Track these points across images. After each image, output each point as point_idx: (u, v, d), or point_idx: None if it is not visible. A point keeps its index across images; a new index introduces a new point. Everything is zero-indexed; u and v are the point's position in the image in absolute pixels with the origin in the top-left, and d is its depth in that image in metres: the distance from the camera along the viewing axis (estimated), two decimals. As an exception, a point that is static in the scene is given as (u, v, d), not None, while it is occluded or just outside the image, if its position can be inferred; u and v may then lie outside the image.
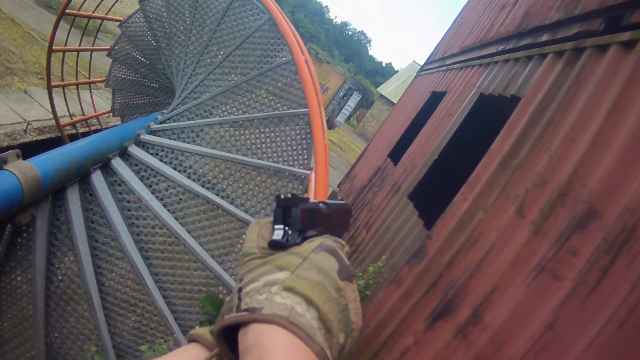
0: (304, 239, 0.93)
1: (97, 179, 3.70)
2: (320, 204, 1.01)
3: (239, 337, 0.75)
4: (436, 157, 6.23)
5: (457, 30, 11.67)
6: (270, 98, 4.30)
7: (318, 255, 0.85)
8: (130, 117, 6.85)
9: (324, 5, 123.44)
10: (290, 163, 4.10)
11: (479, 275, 3.23)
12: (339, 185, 14.52)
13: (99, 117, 7.81)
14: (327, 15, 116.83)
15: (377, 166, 10.29)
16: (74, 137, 6.76)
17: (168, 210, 3.81)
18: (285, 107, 4.23)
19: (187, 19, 4.98)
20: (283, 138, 4.14)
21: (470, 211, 3.94)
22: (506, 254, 3.05)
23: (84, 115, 7.36)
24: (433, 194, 6.14)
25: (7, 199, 2.58)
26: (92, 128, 7.95)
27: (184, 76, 4.78)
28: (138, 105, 6.85)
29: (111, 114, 6.98)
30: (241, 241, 3.85)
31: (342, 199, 1.23)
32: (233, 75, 4.54)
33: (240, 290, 0.82)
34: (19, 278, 3.26)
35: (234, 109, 4.37)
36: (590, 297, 2.24)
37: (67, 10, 5.77)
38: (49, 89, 6.43)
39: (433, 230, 4.45)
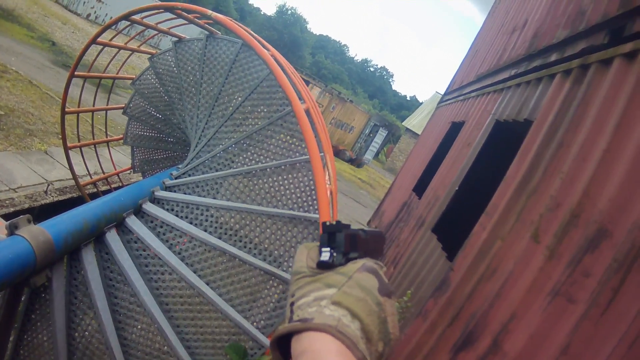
0: (347, 260, 1.03)
1: (112, 237, 3.71)
2: (359, 231, 1.10)
3: (293, 344, 0.85)
4: (457, 189, 6.18)
5: (472, 58, 11.71)
6: (282, 146, 4.32)
7: (361, 275, 0.96)
8: (151, 172, 6.85)
9: (343, 44, 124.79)
10: (305, 209, 4.08)
11: (498, 305, 3.16)
12: (368, 222, 14.48)
13: (120, 174, 7.82)
14: (347, 54, 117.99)
15: (403, 201, 10.26)
16: (95, 196, 6.78)
17: (186, 263, 3.82)
18: (297, 155, 4.24)
19: (197, 73, 5.03)
20: (297, 185, 4.14)
21: (489, 240, 3.89)
22: (523, 281, 2.99)
23: (103, 173, 7.38)
24: (456, 225, 6.07)
25: (19, 264, 2.63)
26: (113, 186, 7.93)
27: (198, 129, 4.81)
28: (157, 160, 6.87)
29: (132, 170, 7.05)
30: (262, 291, 3.87)
31: (376, 227, 1.31)
32: (244, 127, 4.56)
33: (292, 304, 0.96)
34: (42, 336, 3.30)
35: (247, 160, 4.38)
36: (602, 318, 2.17)
37: (76, 73, 5.83)
38: (66, 150, 6.50)
39: (455, 262, 4.40)
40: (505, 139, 5.74)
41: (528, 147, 4.04)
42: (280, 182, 4.18)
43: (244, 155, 4.41)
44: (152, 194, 4.14)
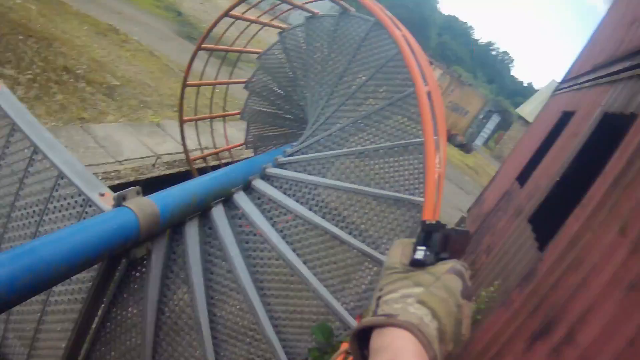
0: (438, 260, 1.09)
1: (218, 213, 3.81)
2: (452, 231, 1.17)
3: (374, 336, 0.90)
4: (557, 179, 6.03)
5: (591, 48, 11.23)
6: (398, 127, 4.33)
7: (449, 276, 1.02)
8: (264, 148, 7.03)
9: (469, 25, 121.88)
10: (411, 192, 4.07)
11: (579, 295, 3.14)
12: (469, 210, 14.25)
13: (231, 149, 7.93)
14: (472, 36, 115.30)
15: (505, 190, 10.06)
16: (203, 171, 6.83)
17: (286, 242, 3.89)
18: (412, 137, 4.25)
19: (325, 50, 5.11)
20: (406, 167, 4.14)
21: (581, 232, 3.82)
22: (605, 273, 2.95)
23: (215, 148, 7.53)
24: (552, 216, 5.93)
25: (123, 234, 2.72)
26: (223, 161, 8.02)
27: (317, 107, 4.89)
28: (271, 137, 7.01)
29: (245, 146, 7.21)
30: (356, 272, 3.89)
31: (464, 226, 1.38)
32: (364, 106, 4.61)
33: (379, 297, 1.01)
34: (131, 309, 3.37)
35: (362, 140, 4.44)
36: None
37: (203, 45, 5.97)
38: (181, 123, 6.67)
39: (545, 252, 4.35)
40: (611, 132, 5.55)
41: (630, 140, 3.92)
42: (391, 164, 4.22)
43: (359, 135, 4.46)
44: (263, 170, 4.23)
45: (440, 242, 1.10)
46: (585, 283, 3.15)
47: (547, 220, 5.99)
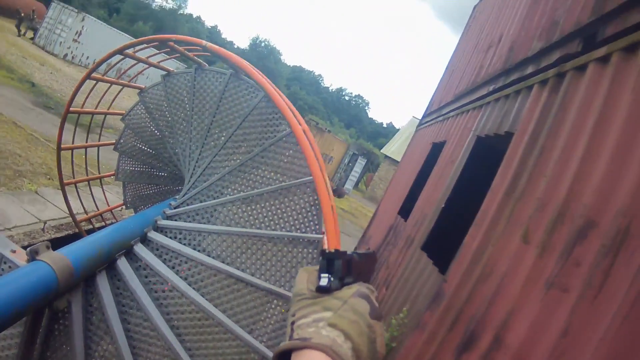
0: (343, 284, 1.16)
1: (123, 264, 3.84)
2: (354, 254, 1.24)
3: (293, 358, 0.95)
4: (443, 205, 6.34)
5: (449, 78, 11.98)
6: (277, 171, 4.44)
7: (355, 300, 1.08)
8: (143, 207, 6.95)
9: (317, 74, 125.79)
10: (303, 230, 4.20)
11: (497, 303, 3.31)
12: (355, 249, 14.52)
13: (113, 210, 7.93)
14: (322, 84, 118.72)
15: (390, 225, 10.39)
16: (91, 232, 6.88)
17: (194, 288, 3.93)
18: (292, 179, 4.37)
19: (187, 106, 5.16)
20: (293, 207, 4.25)
21: (481, 247, 4.04)
22: (518, 279, 3.14)
23: (97, 209, 7.47)
24: (445, 240, 6.22)
25: (44, 287, 2.76)
26: (107, 222, 8.00)
27: (191, 161, 4.92)
28: (149, 196, 6.97)
29: (124, 206, 7.13)
30: (267, 311, 3.96)
31: (369, 248, 1.45)
32: (238, 155, 4.69)
33: (293, 323, 1.07)
34: None
35: (243, 186, 4.50)
36: (597, 299, 2.32)
37: (71, 108, 5.94)
38: (62, 187, 6.56)
39: (448, 274, 4.54)
40: (487, 154, 5.93)
41: (511, 156, 4.23)
42: (278, 206, 4.32)
43: (240, 182, 4.54)
44: (155, 222, 4.24)
45: (344, 268, 1.17)
46: (499, 291, 3.33)
47: (440, 245, 6.28)
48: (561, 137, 3.41)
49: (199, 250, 4.13)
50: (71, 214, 6.82)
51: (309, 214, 4.24)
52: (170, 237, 4.21)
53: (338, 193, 35.44)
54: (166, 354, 3.68)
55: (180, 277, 3.96)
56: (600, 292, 2.32)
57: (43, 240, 3.15)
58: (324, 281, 1.14)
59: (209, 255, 4.11)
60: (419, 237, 6.79)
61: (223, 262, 4.08)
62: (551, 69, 4.12)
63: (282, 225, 4.28)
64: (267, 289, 3.92)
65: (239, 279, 3.95)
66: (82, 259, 3.25)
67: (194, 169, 4.88)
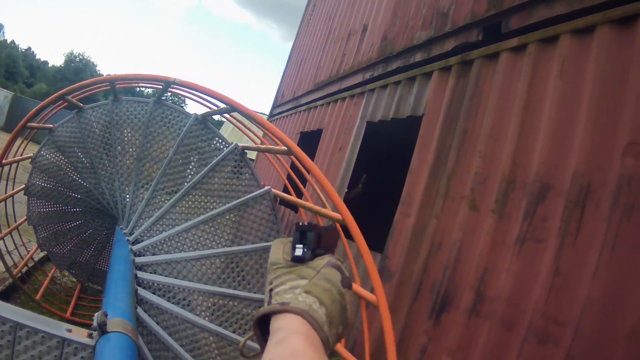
0: (315, 255, 1.22)
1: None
2: (322, 229, 1.32)
3: (272, 322, 1.03)
4: (346, 190, 6.70)
5: (299, 69, 12.40)
6: (228, 188, 4.71)
7: (327, 270, 1.15)
8: (58, 246, 6.92)
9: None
10: (273, 237, 4.49)
11: (462, 268, 3.81)
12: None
13: (33, 255, 7.63)
14: (137, 90, 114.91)
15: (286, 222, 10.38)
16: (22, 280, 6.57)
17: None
18: (244, 193, 4.63)
19: (108, 138, 5.22)
20: (259, 218, 4.55)
21: (420, 223, 4.54)
22: (481, 242, 3.65)
23: (22, 258, 7.23)
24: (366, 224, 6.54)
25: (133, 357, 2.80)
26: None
27: (126, 193, 5.04)
28: (62, 233, 6.87)
29: (40, 249, 6.98)
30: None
31: (332, 224, 1.66)
32: (182, 179, 4.86)
33: (271, 290, 1.14)
34: None
35: (200, 208, 4.71)
36: (578, 240, 2.87)
37: None
38: None
39: (386, 251, 4.98)
40: (381, 137, 6.36)
41: (427, 138, 4.75)
42: (242, 222, 4.52)
43: (199, 205, 4.73)
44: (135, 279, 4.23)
45: (315, 239, 1.23)
46: (460, 258, 3.83)
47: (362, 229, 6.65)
48: (485, 118, 3.99)
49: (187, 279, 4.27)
50: (6, 266, 6.50)
51: (269, 222, 4.54)
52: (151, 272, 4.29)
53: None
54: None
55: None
56: (579, 233, 2.86)
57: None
58: (298, 251, 1.21)
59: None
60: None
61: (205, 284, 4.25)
62: (451, 57, 4.71)
63: (252, 238, 4.50)
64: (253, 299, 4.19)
65: (234, 296, 4.20)
66: (130, 315, 3.26)
67: (133, 201, 4.94)
